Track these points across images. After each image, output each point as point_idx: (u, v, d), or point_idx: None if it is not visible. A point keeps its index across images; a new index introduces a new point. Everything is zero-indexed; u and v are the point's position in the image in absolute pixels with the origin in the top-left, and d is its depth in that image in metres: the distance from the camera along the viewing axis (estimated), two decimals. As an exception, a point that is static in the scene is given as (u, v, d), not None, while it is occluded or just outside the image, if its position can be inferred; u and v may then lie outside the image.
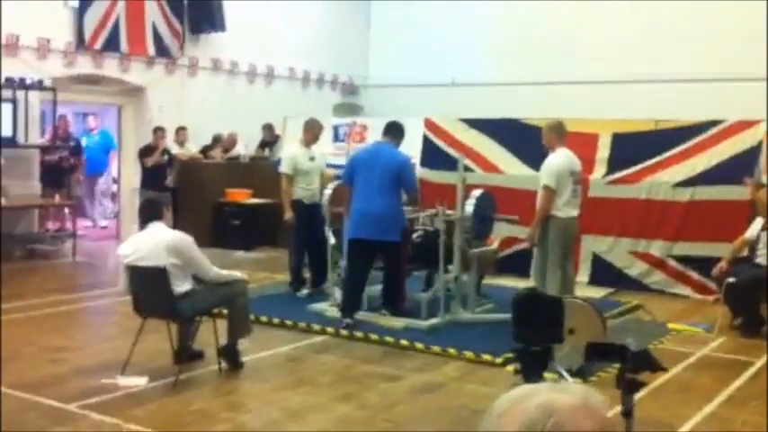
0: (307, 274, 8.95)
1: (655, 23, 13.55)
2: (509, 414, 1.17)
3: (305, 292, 8.74)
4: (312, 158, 8.88)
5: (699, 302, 9.02)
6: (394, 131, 7.76)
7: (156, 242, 5.82)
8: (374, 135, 11.38)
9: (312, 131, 8.95)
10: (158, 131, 12.01)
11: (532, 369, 3.65)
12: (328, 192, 8.36)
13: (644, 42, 13.60)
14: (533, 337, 3.72)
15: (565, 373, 4.34)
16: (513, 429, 1.15)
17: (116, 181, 14.43)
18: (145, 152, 11.93)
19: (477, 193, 7.81)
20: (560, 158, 7.22)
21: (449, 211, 7.57)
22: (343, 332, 7.29)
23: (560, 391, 1.19)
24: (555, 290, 6.93)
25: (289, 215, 8.67)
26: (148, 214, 6.11)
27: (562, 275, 7.19)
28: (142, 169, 12.07)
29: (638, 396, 3.01)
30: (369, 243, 7.42)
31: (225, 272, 6.19)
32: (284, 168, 8.79)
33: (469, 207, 7.55)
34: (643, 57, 13.50)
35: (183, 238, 5.92)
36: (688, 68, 12.96)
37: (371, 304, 7.96)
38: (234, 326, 6.15)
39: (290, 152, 9.07)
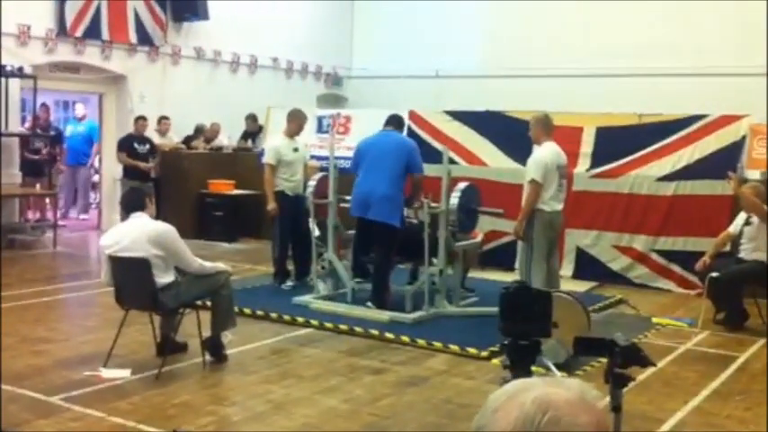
0: (290, 267, 8.91)
1: (639, 18, 13.59)
2: (504, 409, 1.15)
3: (289, 284, 8.71)
4: (296, 149, 8.83)
5: (682, 296, 9.07)
6: (395, 122, 8.00)
7: (139, 233, 5.75)
8: (358, 126, 11.37)
9: (296, 122, 8.90)
10: (139, 120, 11.85)
11: (521, 363, 3.62)
12: (312, 183, 8.32)
13: (628, 37, 13.63)
14: (521, 331, 3.69)
15: (553, 368, 4.33)
16: (508, 424, 1.13)
17: (97, 171, 14.29)
18: (123, 143, 11.72)
19: (462, 185, 7.80)
20: (547, 152, 7.21)
21: (433, 204, 7.56)
22: (328, 324, 7.27)
23: (556, 386, 1.17)
24: (540, 283, 6.91)
25: (272, 206, 8.63)
26: (131, 204, 6.02)
27: (547, 269, 7.19)
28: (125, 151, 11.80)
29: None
30: (368, 224, 7.57)
31: (209, 264, 6.14)
32: (268, 159, 8.73)
33: (454, 200, 7.54)
34: (627, 51, 13.53)
35: (167, 230, 5.86)
36: (672, 63, 13.02)
37: (356, 296, 7.95)
38: (218, 318, 6.10)
39: (273, 143, 9.02)
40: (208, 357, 6.10)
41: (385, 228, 7.51)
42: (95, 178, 14.60)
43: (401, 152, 7.63)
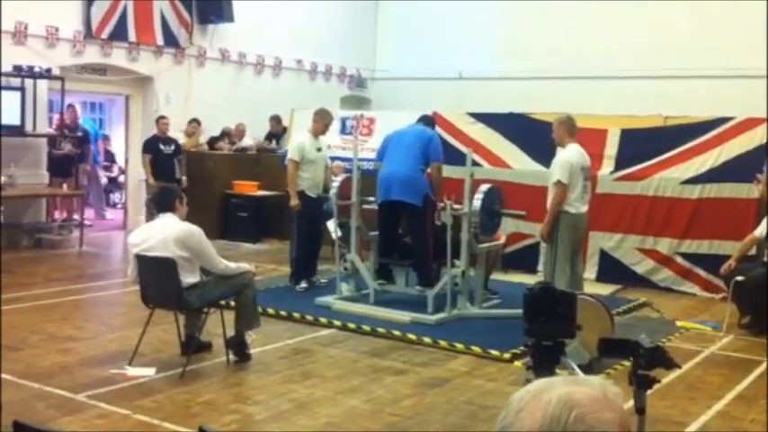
0: None
1: (664, 19, 13.50)
2: (529, 408, 1.16)
3: (303, 285, 8.73)
4: (319, 149, 8.88)
5: (706, 300, 9.00)
6: (426, 121, 8.40)
7: (167, 234, 5.80)
8: (381, 128, 11.37)
9: (323, 121, 8.94)
10: (161, 119, 11.92)
11: (544, 364, 3.62)
12: (336, 183, 8.35)
13: (653, 38, 13.55)
14: (545, 331, 3.69)
15: (577, 369, 4.33)
16: (534, 423, 1.14)
17: (123, 171, 14.42)
18: (148, 146, 11.82)
19: (484, 187, 7.80)
20: (572, 154, 7.18)
21: (456, 206, 7.57)
22: (350, 325, 7.30)
23: (578, 384, 1.19)
24: (564, 286, 6.87)
25: (294, 202, 8.66)
26: (162, 204, 6.07)
27: (571, 272, 7.16)
28: (152, 160, 11.91)
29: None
30: (393, 206, 7.76)
31: (233, 265, 6.18)
32: (291, 155, 8.78)
33: (477, 202, 7.55)
34: (652, 52, 13.45)
35: (193, 231, 5.90)
36: (697, 64, 12.92)
37: (377, 298, 7.97)
38: (241, 318, 6.14)
39: (298, 139, 9.05)
40: (231, 356, 6.14)
41: (410, 208, 7.67)
42: (121, 179, 14.72)
43: (420, 139, 7.90)
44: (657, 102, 11.72)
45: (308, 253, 8.86)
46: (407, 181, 7.69)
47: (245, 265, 6.35)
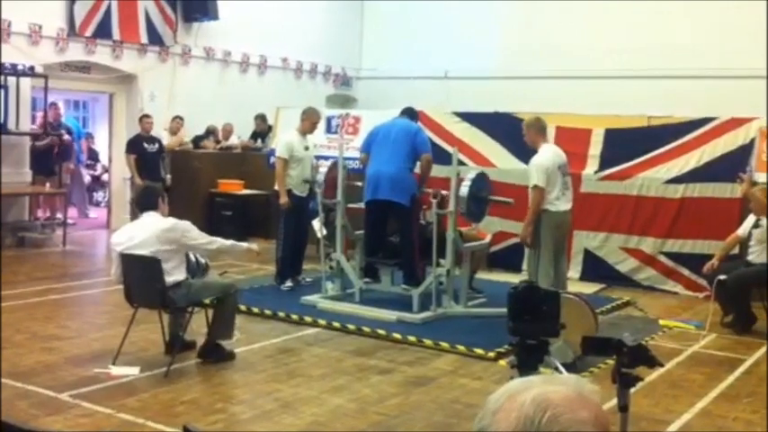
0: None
1: (648, 20, 13.57)
2: (504, 410, 1.17)
3: (288, 284, 8.72)
4: (307, 147, 8.89)
5: (689, 299, 9.06)
6: (409, 113, 8.35)
7: (150, 231, 5.82)
8: (367, 127, 11.34)
9: (310, 120, 8.95)
10: (144, 118, 11.86)
11: (528, 362, 3.65)
12: (323, 170, 8.33)
13: (638, 39, 13.61)
14: (529, 330, 3.71)
15: (561, 368, 4.35)
16: (509, 425, 1.15)
17: (107, 170, 14.35)
18: (132, 145, 11.76)
19: (472, 174, 7.85)
20: (546, 156, 7.21)
21: (444, 192, 7.59)
22: (336, 324, 7.30)
23: (553, 383, 1.19)
24: (546, 285, 6.90)
25: (284, 200, 8.64)
26: (144, 203, 6.11)
27: (554, 271, 7.18)
28: (137, 159, 11.87)
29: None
30: (381, 205, 7.78)
31: (229, 242, 6.25)
32: (280, 153, 8.77)
33: (465, 188, 7.55)
34: (636, 53, 13.52)
35: (176, 223, 5.93)
36: (681, 65, 12.99)
37: (363, 297, 7.97)
38: (217, 326, 6.10)
39: (286, 138, 9.03)
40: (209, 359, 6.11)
41: (397, 207, 7.70)
42: (105, 177, 14.66)
43: (406, 134, 7.90)
44: (641, 102, 11.79)
45: (293, 252, 8.86)
46: (396, 181, 7.71)
47: (243, 245, 6.35)
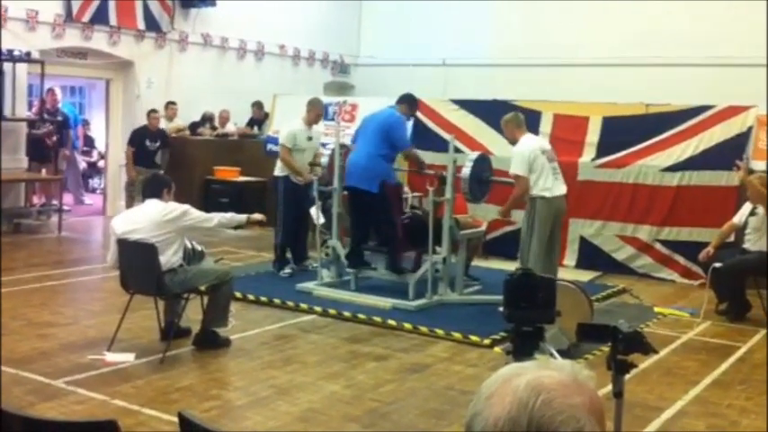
0: (288, 255, 8.92)
1: (646, 7, 13.52)
2: (498, 394, 1.17)
3: (287, 271, 8.73)
4: (310, 138, 8.91)
5: (685, 287, 9.07)
6: (403, 100, 8.16)
7: (150, 218, 5.86)
8: (364, 114, 11.31)
9: (315, 110, 8.98)
10: (152, 113, 11.94)
11: (524, 349, 3.65)
12: (325, 159, 8.36)
13: (635, 26, 13.58)
14: (525, 317, 3.71)
15: (557, 354, 4.36)
16: (503, 409, 1.15)
17: (103, 156, 14.31)
18: (135, 138, 11.79)
19: (473, 155, 7.87)
20: (525, 145, 7.28)
21: (436, 199, 7.59)
22: (331, 311, 7.30)
23: (548, 368, 1.19)
24: (537, 272, 6.92)
25: (305, 176, 8.65)
26: (150, 190, 6.15)
27: (546, 259, 7.17)
28: (134, 147, 11.90)
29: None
30: (353, 192, 7.85)
31: (228, 214, 6.33)
32: (284, 140, 8.82)
33: (466, 169, 7.56)
34: (634, 40, 13.49)
35: (173, 206, 5.95)
36: (679, 53, 12.97)
37: (358, 284, 7.97)
38: (211, 314, 6.10)
39: (290, 127, 9.00)
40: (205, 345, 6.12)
41: (365, 194, 7.67)
42: (100, 164, 14.63)
43: (381, 125, 7.83)
44: (639, 90, 11.77)
45: (295, 238, 8.88)
46: (363, 168, 7.71)
47: (242, 216, 6.35)
